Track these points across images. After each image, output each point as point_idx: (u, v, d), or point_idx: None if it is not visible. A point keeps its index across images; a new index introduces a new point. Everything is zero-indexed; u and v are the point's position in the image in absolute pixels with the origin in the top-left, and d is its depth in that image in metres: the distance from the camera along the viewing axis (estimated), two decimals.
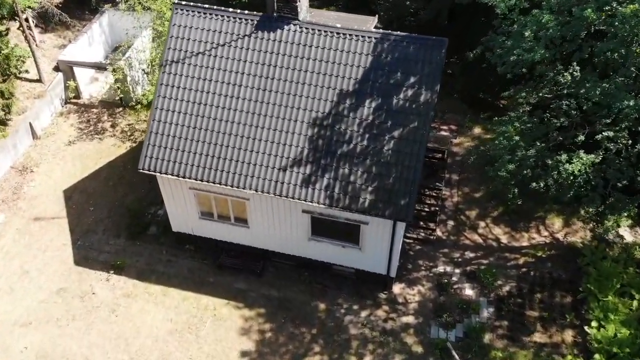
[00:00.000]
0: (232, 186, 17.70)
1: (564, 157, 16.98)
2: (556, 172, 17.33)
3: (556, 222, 22.26)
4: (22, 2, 22.80)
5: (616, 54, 14.53)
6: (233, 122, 17.92)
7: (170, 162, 18.14)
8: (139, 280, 20.46)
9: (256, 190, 17.55)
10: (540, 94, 18.98)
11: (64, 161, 24.83)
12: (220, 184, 17.80)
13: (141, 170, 18.42)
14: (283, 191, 17.39)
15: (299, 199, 17.31)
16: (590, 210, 17.07)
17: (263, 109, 17.80)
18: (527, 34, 15.02)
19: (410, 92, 17.04)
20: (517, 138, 18.10)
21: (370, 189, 16.94)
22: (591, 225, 21.73)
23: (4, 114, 23.87)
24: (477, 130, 25.85)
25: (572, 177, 17.00)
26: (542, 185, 17.66)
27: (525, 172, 17.80)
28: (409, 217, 16.84)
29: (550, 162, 17.25)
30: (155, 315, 19.52)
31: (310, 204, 17.28)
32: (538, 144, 18.06)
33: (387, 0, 29.42)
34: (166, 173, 18.17)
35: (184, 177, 18.06)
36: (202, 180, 17.93)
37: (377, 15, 21.58)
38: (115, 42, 30.30)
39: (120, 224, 22.28)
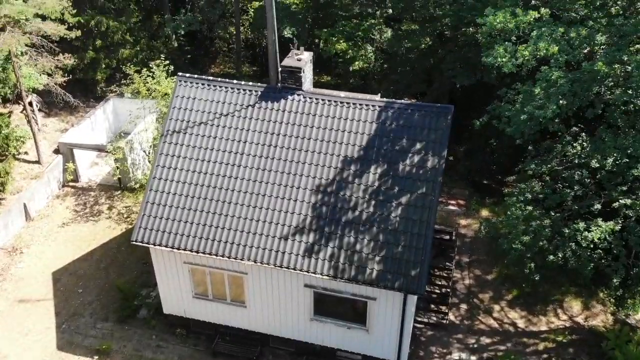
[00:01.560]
0: (229, 257, 16.61)
1: (581, 225, 16.10)
2: (574, 242, 16.36)
3: (574, 306, 20.83)
4: (26, 82, 22.98)
5: (632, 106, 14.16)
6: (233, 190, 17.22)
7: (165, 233, 17.20)
8: None
9: (255, 261, 16.44)
10: (550, 165, 18.45)
11: (56, 243, 23.84)
12: (217, 255, 16.73)
13: (134, 243, 17.42)
14: (284, 262, 16.28)
15: (301, 270, 16.16)
16: (615, 281, 15.87)
17: (265, 176, 17.18)
18: (537, 91, 14.75)
19: (416, 158, 16.49)
20: (530, 208, 17.31)
21: (377, 258, 15.85)
22: (612, 308, 20.36)
23: None
24: (484, 213, 25.10)
25: (591, 246, 16.01)
26: (560, 257, 16.60)
27: (541, 243, 16.81)
28: (421, 289, 15.59)
29: (567, 231, 16.32)
30: None
31: (313, 275, 16.10)
32: (553, 213, 17.25)
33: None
34: (160, 245, 17.16)
35: (178, 249, 17.02)
36: (197, 252, 16.88)
37: (379, 94, 21.54)
38: (118, 129, 30.41)
39: (109, 307, 20.84)
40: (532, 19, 15.16)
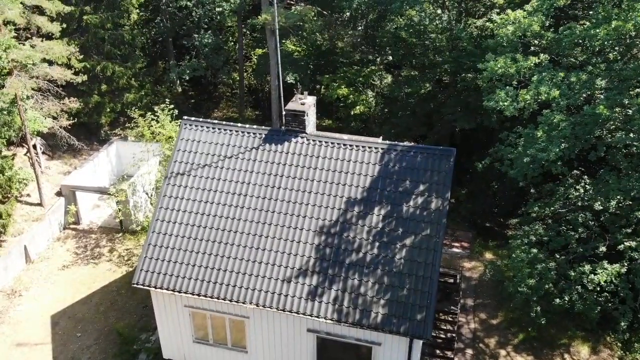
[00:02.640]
0: (230, 300, 16.39)
1: (587, 268, 15.98)
2: (580, 286, 16.21)
3: (582, 350, 20.41)
4: (31, 125, 23.23)
5: (634, 149, 14.26)
6: (236, 231, 17.15)
7: (166, 276, 17.02)
8: None
9: (257, 305, 16.21)
10: (553, 208, 18.46)
11: (55, 285, 23.57)
12: (218, 298, 16.51)
13: (135, 285, 17.22)
14: (287, 305, 16.06)
15: (304, 313, 15.91)
16: (622, 324, 15.63)
17: (268, 217, 17.15)
18: (539, 134, 14.87)
19: (420, 200, 16.50)
20: (535, 251, 17.21)
21: (382, 301, 15.64)
22: (620, 352, 19.96)
23: None
24: (488, 255, 24.95)
25: (598, 290, 15.85)
26: (566, 300, 16.40)
27: (547, 286, 16.65)
28: (428, 333, 15.31)
29: (573, 274, 16.18)
30: None
31: (317, 319, 15.85)
32: (558, 256, 17.14)
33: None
34: (161, 288, 16.95)
35: (179, 292, 16.81)
36: (199, 295, 16.66)
37: (381, 137, 21.76)
38: (121, 172, 30.57)
39: (107, 352, 20.43)
40: (532, 65, 15.44)
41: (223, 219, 17.39)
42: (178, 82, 35.17)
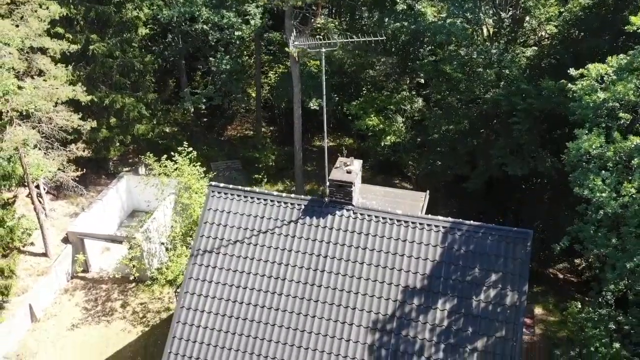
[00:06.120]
0: None
1: None
2: None
3: None
4: (34, 172, 20.80)
5: None
6: (274, 324, 14.81)
7: None
8: None
9: None
10: (634, 287, 16.08)
11: (64, 350, 21.39)
12: None
13: None
14: None
15: None
16: None
17: (311, 308, 14.80)
18: None
19: (492, 293, 14.14)
20: (617, 345, 14.87)
21: None
22: None
23: (2, 297, 20.79)
24: (538, 310, 22.68)
25: None
26: None
27: None
28: None
29: None
30: None
31: None
32: None
33: (421, 166, 28.02)
34: None
35: None
36: None
37: (428, 191, 19.37)
38: (131, 207, 28.30)
39: None
40: (632, 145, 12.88)
41: (258, 308, 15.04)
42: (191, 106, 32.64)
